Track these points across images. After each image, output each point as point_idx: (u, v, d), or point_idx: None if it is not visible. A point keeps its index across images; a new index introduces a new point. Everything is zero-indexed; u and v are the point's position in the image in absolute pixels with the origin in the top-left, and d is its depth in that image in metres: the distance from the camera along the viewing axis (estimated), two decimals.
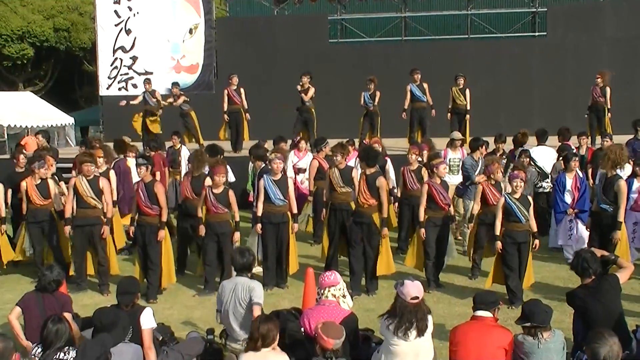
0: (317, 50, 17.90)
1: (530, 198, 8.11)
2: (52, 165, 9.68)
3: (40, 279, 6.11)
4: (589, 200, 9.22)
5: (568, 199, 9.39)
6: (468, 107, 13.88)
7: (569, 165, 9.46)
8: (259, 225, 8.61)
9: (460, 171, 10.31)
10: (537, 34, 19.15)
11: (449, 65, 15.81)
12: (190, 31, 18.13)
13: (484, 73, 17.02)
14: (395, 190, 10.40)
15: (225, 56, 18.26)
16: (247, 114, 14.37)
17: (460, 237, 10.26)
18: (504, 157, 10.77)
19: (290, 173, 10.84)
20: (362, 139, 13.37)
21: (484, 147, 10.16)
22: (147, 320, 5.55)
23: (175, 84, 15.36)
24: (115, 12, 18.19)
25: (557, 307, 6.36)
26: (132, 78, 18.21)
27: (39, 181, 9.01)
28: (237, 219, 8.57)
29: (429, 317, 5.18)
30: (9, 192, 9.50)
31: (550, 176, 10.70)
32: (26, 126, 23.67)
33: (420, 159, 10.04)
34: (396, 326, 5.03)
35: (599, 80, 13.36)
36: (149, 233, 8.32)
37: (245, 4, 21.82)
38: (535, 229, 7.94)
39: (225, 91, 14.31)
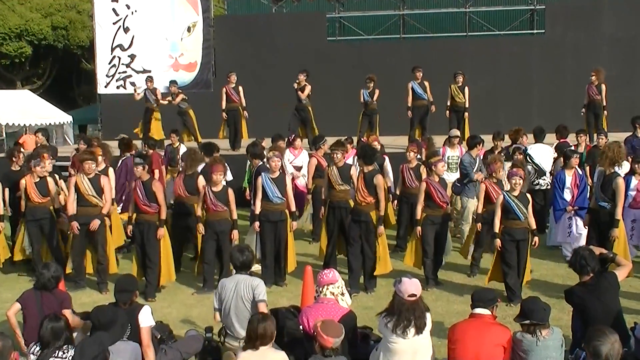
0: (315, 48, 17.87)
1: (528, 195, 8.12)
2: (46, 160, 9.55)
3: (39, 277, 6.11)
4: (588, 198, 9.23)
5: (567, 196, 9.39)
6: (467, 105, 13.89)
7: (569, 163, 9.46)
8: (256, 224, 8.61)
9: (459, 169, 10.31)
10: (535, 31, 19.13)
11: (447, 63, 15.79)
12: (189, 29, 18.10)
13: (482, 71, 17.00)
14: (393, 189, 10.41)
15: (223, 54, 18.24)
16: (245, 112, 14.36)
17: (458, 235, 10.26)
18: (502, 154, 10.76)
19: (290, 169, 10.85)
20: (361, 136, 13.37)
21: (481, 144, 10.18)
22: (146, 318, 5.55)
23: (173, 82, 15.37)
24: (114, 10, 18.15)
25: (555, 305, 6.37)
26: (130, 76, 18.18)
27: (38, 179, 9.01)
28: (235, 217, 8.57)
29: (428, 315, 5.19)
30: (6, 190, 9.48)
31: (549, 174, 10.72)
32: (24, 124, 23.64)
33: (419, 156, 10.04)
34: (394, 324, 5.03)
35: (593, 78, 13.34)
36: (147, 231, 8.31)
37: (244, 2, 21.79)
38: (534, 226, 7.95)
39: (224, 89, 14.30)
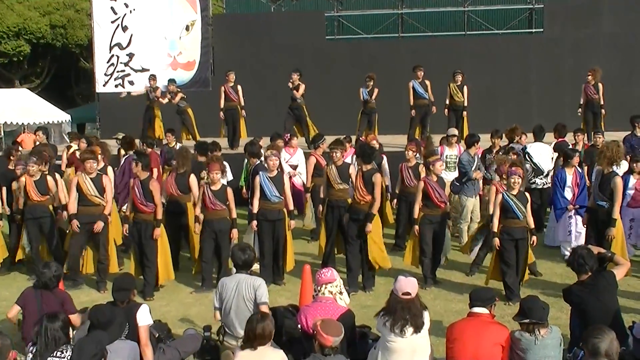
0: (314, 47, 17.87)
1: (527, 194, 8.12)
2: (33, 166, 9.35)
3: (40, 276, 6.10)
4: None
5: (568, 195, 9.39)
6: (465, 104, 13.89)
7: (570, 162, 9.46)
8: (254, 222, 8.60)
9: (457, 168, 10.31)
10: (534, 30, 19.14)
11: (446, 62, 15.78)
12: (187, 28, 18.06)
13: (481, 70, 17.00)
14: (391, 188, 10.41)
15: (222, 53, 18.20)
16: (243, 111, 14.35)
17: (457, 234, 10.26)
18: (500, 153, 10.76)
19: (287, 169, 10.85)
20: (359, 135, 13.36)
21: (478, 143, 10.18)
22: (144, 317, 5.54)
23: (171, 81, 15.35)
24: (112, 8, 18.12)
25: (553, 304, 6.38)
26: (128, 75, 18.14)
27: (37, 177, 8.99)
28: (234, 216, 8.56)
29: (426, 314, 5.19)
30: (4, 189, 9.46)
31: (548, 173, 10.71)
32: (22, 123, 23.58)
33: (418, 155, 10.05)
34: (392, 323, 5.03)
35: (590, 77, 13.34)
36: (144, 230, 8.30)
37: (242, 1, 21.81)
38: (532, 225, 7.96)
39: (222, 88, 14.29)
